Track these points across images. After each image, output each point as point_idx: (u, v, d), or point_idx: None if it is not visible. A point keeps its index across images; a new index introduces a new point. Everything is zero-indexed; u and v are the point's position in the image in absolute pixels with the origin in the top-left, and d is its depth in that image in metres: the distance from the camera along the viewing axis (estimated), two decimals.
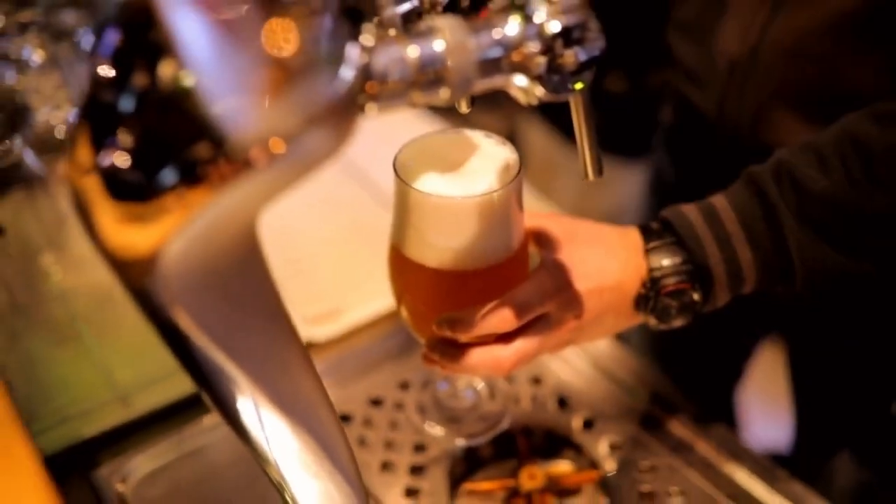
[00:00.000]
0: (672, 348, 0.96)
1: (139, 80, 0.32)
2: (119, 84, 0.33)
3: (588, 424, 0.70)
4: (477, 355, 0.54)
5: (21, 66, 0.78)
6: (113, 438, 0.68)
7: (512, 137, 2.21)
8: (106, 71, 0.32)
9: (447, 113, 1.10)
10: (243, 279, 0.38)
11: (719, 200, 0.58)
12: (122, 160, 0.33)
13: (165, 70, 0.32)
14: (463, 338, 0.55)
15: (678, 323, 0.59)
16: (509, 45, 0.38)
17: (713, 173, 0.69)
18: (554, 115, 1.91)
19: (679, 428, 0.70)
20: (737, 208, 0.57)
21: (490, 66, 0.38)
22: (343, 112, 0.32)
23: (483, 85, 0.39)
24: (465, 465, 0.68)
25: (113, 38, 0.32)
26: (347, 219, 0.88)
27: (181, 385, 0.72)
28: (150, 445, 0.68)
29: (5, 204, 0.78)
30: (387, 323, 0.77)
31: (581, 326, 0.57)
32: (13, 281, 0.77)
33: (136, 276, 0.34)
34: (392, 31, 0.40)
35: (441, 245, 0.54)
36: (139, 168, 0.33)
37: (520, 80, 0.39)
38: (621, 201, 1.91)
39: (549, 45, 0.39)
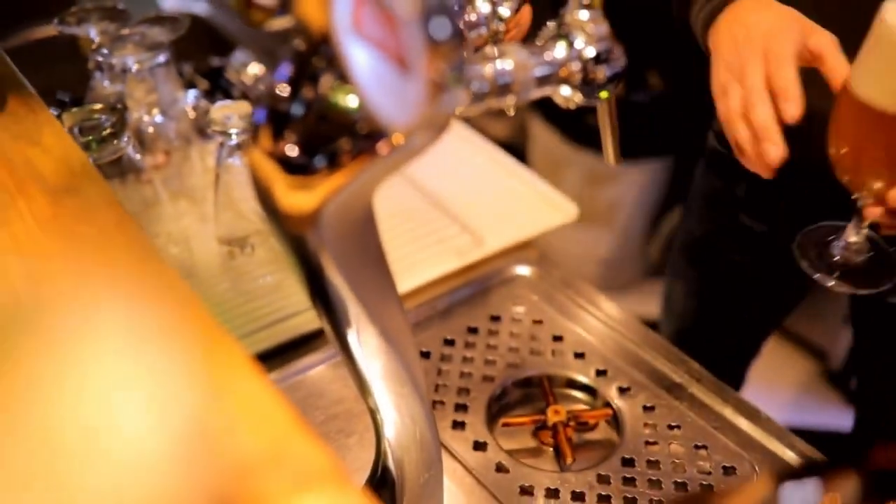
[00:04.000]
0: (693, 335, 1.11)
1: (305, 95, 0.47)
2: (290, 99, 0.47)
3: (601, 372, 0.84)
4: None
5: (115, 74, 0.91)
6: None
7: (523, 138, 2.35)
8: (282, 90, 0.46)
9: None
10: (365, 232, 0.52)
11: None
12: (291, 150, 0.47)
13: (322, 90, 0.46)
14: None
15: None
16: (557, 65, 0.52)
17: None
18: (555, 119, 2.06)
19: (676, 375, 0.84)
20: None
21: (543, 80, 0.52)
22: (448, 115, 0.46)
23: (537, 93, 0.53)
24: (500, 405, 0.82)
25: (286, 68, 0.46)
26: (391, 204, 1.02)
27: (254, 345, 0.86)
28: None
29: None
30: (428, 290, 0.91)
31: None
32: None
33: (297, 227, 0.48)
34: (466, 53, 0.55)
35: None
36: (303, 154, 0.47)
37: (564, 90, 0.53)
38: (616, 195, 2.06)
39: (585, 65, 0.53)
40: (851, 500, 0.31)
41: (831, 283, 0.70)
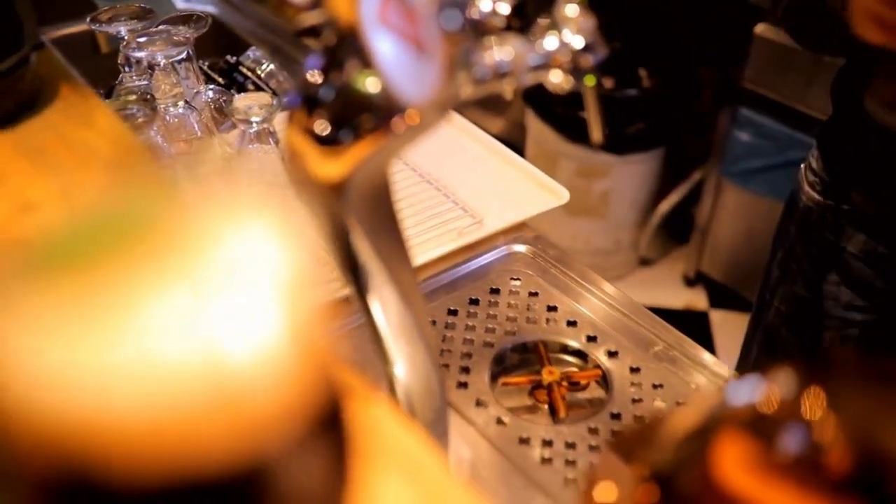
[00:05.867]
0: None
1: (334, 80, 0.54)
2: (322, 83, 0.54)
3: (591, 338, 0.92)
4: None
5: (142, 69, 0.99)
6: None
7: (520, 133, 2.44)
8: (314, 77, 0.54)
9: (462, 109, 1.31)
10: (384, 202, 0.59)
11: None
12: (321, 127, 0.55)
13: (347, 75, 0.54)
14: None
15: None
16: (549, 54, 0.60)
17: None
18: (550, 116, 2.14)
19: (657, 341, 0.92)
20: None
21: (537, 67, 0.60)
22: (455, 96, 0.54)
23: (532, 79, 0.61)
24: (500, 367, 0.90)
25: (315, 59, 0.54)
26: (399, 189, 1.10)
27: None
28: None
29: None
30: (434, 266, 0.99)
31: None
32: None
33: (326, 195, 0.56)
34: (471, 43, 0.62)
35: None
36: (332, 129, 0.55)
37: (555, 76, 0.61)
38: (609, 187, 2.14)
39: (574, 54, 0.61)
40: (789, 391, 0.39)
41: None
